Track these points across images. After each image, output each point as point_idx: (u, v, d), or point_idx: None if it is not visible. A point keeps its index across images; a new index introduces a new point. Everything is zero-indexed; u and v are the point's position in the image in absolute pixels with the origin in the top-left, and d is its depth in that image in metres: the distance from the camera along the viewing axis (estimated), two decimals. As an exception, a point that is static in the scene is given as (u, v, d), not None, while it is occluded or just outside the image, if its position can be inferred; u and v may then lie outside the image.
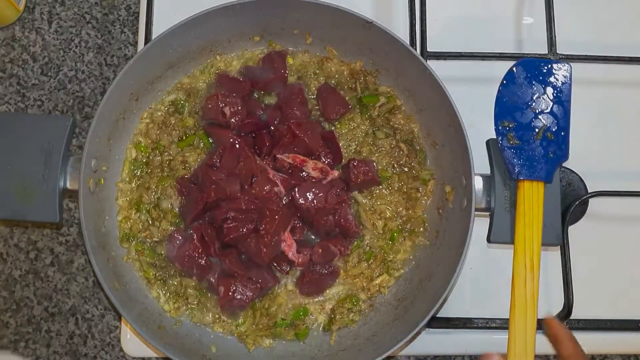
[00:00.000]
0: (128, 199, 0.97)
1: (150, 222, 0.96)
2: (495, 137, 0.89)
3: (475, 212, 0.86)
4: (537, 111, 0.89)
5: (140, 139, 0.99)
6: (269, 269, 0.94)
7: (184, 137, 0.99)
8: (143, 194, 0.96)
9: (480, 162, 0.89)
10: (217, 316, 0.95)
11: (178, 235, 0.94)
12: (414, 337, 0.86)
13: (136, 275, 0.95)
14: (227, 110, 0.94)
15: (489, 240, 0.88)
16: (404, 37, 0.94)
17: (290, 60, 1.01)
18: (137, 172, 0.98)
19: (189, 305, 0.94)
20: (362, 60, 1.00)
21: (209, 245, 0.92)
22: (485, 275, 1.01)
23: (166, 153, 0.98)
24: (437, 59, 1.02)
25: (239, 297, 0.91)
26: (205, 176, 0.93)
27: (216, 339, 0.94)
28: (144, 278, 0.95)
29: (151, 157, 0.98)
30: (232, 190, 0.92)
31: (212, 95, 0.96)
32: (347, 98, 1.00)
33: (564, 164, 0.94)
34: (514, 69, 0.90)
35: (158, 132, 0.98)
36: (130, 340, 0.97)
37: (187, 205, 0.95)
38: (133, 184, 0.97)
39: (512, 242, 0.89)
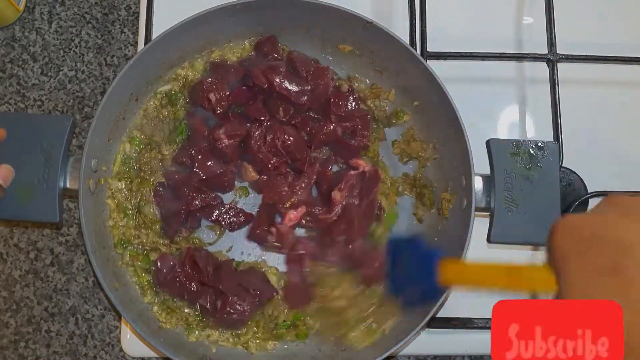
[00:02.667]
0: (116, 199, 0.95)
1: (137, 227, 0.95)
2: (494, 137, 0.90)
3: (475, 212, 0.86)
4: None
5: (136, 133, 0.98)
6: (266, 281, 0.94)
7: (176, 128, 0.98)
8: (127, 196, 0.95)
9: (480, 162, 0.89)
10: (216, 334, 0.93)
11: (167, 261, 0.93)
12: (414, 337, 0.86)
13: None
14: (212, 96, 0.94)
15: (489, 240, 0.88)
16: (404, 37, 0.94)
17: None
18: (125, 169, 0.97)
19: (186, 325, 0.93)
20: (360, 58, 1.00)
21: (202, 272, 0.91)
22: (485, 275, 1.00)
23: (155, 150, 0.96)
24: (437, 59, 1.02)
25: (236, 312, 0.90)
26: (180, 183, 0.94)
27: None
28: (138, 284, 0.94)
29: (142, 153, 0.97)
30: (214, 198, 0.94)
31: (200, 81, 0.96)
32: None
33: (564, 164, 0.94)
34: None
35: (152, 126, 0.98)
36: (130, 340, 0.97)
37: (167, 218, 0.94)
38: (123, 183, 0.96)
39: (512, 242, 0.89)
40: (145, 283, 0.94)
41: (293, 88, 0.94)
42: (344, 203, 0.94)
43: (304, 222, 0.95)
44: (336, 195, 0.94)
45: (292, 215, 0.93)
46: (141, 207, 0.95)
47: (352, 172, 0.95)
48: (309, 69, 0.96)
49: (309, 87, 0.95)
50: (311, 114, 0.98)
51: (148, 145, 0.97)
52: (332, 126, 0.95)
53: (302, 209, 0.94)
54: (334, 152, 0.99)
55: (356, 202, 0.94)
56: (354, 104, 0.97)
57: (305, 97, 0.95)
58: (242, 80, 0.97)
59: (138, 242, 0.95)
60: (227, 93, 0.95)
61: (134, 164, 0.97)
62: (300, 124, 0.97)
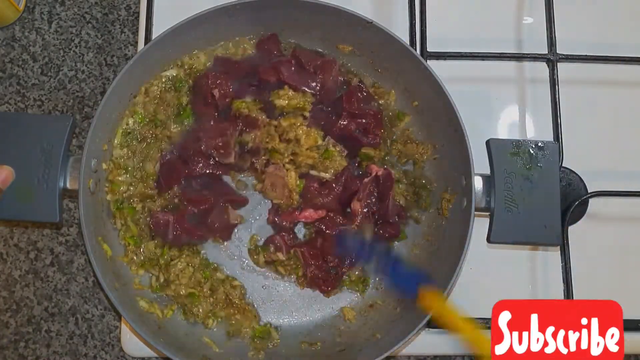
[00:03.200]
0: (114, 163, 0.95)
1: (135, 183, 0.95)
2: (494, 137, 0.90)
3: (475, 212, 0.87)
4: None
5: (138, 109, 0.97)
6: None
7: (180, 114, 0.98)
8: (130, 156, 0.96)
9: (480, 162, 0.89)
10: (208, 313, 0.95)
11: (160, 215, 0.94)
12: (414, 337, 0.86)
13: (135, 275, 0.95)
14: (216, 92, 0.94)
15: (489, 240, 0.88)
16: (404, 37, 0.94)
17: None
18: (128, 140, 0.96)
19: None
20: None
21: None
22: (485, 275, 1.01)
23: (160, 127, 0.97)
24: (437, 59, 1.02)
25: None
26: (187, 147, 0.95)
27: (217, 339, 0.94)
28: (125, 244, 0.95)
29: (146, 128, 0.97)
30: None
31: (204, 74, 0.96)
32: None
33: (564, 164, 0.94)
34: None
35: (154, 105, 0.97)
36: (130, 340, 0.97)
37: (165, 171, 0.95)
38: (125, 150, 0.96)
39: (512, 242, 0.89)
40: (130, 240, 0.94)
41: (302, 81, 0.94)
42: (364, 211, 0.94)
43: (318, 224, 0.96)
44: (356, 205, 0.94)
45: (310, 213, 0.94)
46: (144, 163, 0.95)
47: (365, 179, 0.95)
48: (315, 63, 0.96)
49: (318, 82, 0.95)
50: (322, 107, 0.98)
51: (152, 122, 0.97)
52: (346, 121, 0.95)
53: (321, 212, 0.95)
54: (345, 148, 0.98)
55: (375, 208, 0.95)
56: (366, 101, 0.97)
57: (315, 91, 0.95)
58: (246, 78, 0.97)
59: (127, 194, 0.95)
60: (231, 89, 0.95)
61: (138, 135, 0.97)
62: (313, 117, 0.97)
